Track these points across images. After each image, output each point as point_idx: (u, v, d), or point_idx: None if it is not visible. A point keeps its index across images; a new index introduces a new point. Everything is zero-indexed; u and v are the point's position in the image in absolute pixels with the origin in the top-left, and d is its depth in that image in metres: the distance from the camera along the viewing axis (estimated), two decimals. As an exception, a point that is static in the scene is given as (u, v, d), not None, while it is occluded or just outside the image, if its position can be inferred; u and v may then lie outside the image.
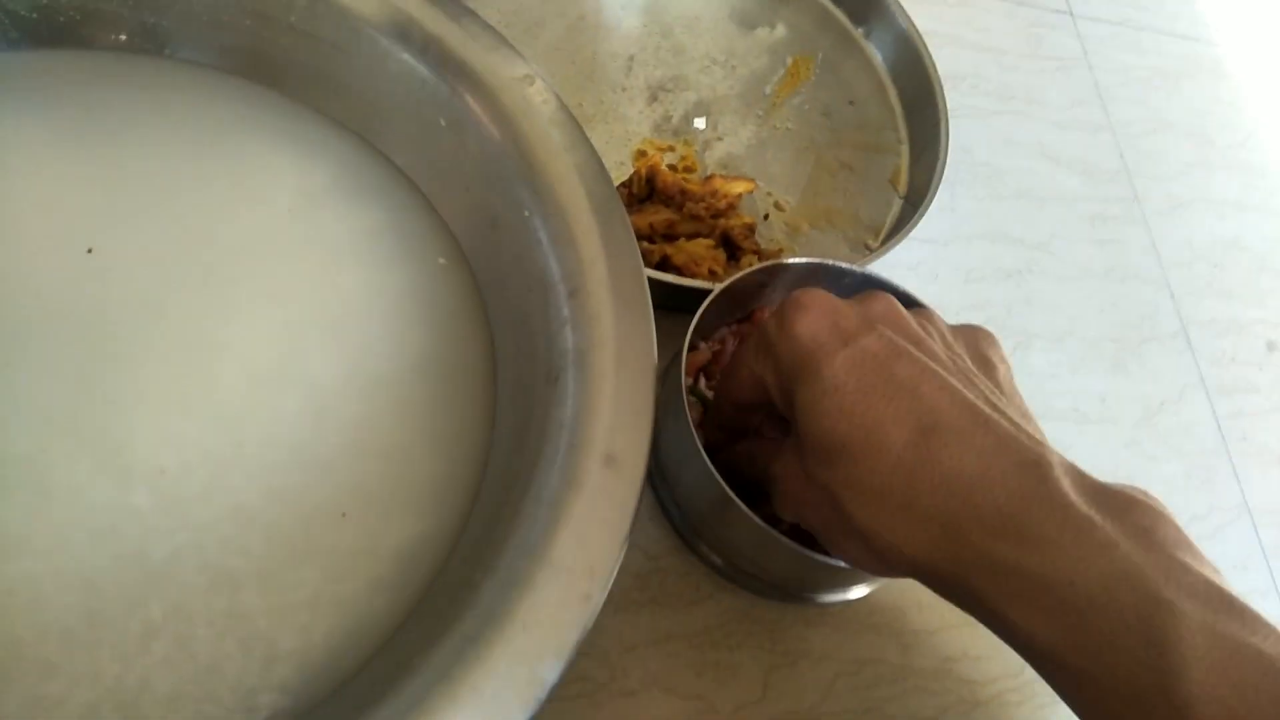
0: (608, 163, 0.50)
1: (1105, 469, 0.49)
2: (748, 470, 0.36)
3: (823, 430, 0.30)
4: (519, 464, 0.31)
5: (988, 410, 0.29)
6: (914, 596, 0.43)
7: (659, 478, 0.42)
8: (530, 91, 0.37)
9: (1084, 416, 0.51)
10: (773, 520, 0.35)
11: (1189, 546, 0.27)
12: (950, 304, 0.53)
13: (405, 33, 0.37)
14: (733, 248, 0.49)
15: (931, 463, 0.28)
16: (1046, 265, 0.56)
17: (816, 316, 0.31)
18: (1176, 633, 0.24)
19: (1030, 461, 0.27)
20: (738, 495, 0.35)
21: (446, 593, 0.30)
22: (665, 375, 0.41)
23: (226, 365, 0.34)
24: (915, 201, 0.51)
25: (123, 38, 0.38)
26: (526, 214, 0.35)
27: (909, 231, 0.48)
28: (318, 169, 0.39)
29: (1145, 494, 0.28)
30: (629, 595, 0.39)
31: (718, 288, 0.40)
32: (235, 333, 0.34)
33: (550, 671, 0.25)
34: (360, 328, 0.36)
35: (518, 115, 0.36)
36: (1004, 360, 0.34)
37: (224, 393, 0.33)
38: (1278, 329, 0.60)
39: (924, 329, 0.33)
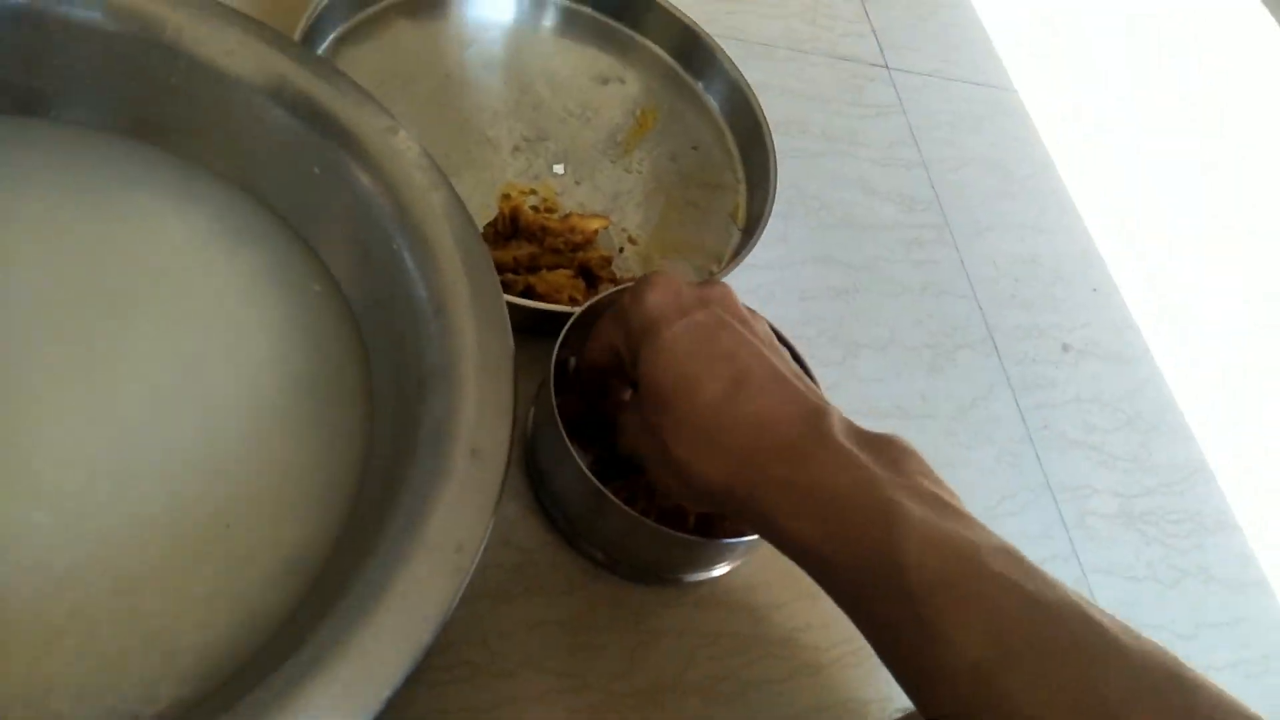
0: (475, 206, 0.54)
1: (926, 456, 0.56)
2: (607, 413, 0.42)
3: (655, 381, 0.36)
4: (394, 464, 0.35)
5: (788, 374, 0.36)
6: (762, 576, 0.47)
7: (539, 484, 0.46)
8: (395, 140, 0.40)
9: (906, 413, 0.58)
10: (641, 512, 0.40)
11: (929, 473, 0.33)
12: (787, 320, 0.58)
13: (279, 91, 0.40)
14: (591, 277, 0.54)
15: (736, 407, 0.34)
16: (870, 284, 0.63)
17: (662, 293, 0.38)
18: (900, 522, 0.30)
19: (812, 411, 0.34)
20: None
21: (334, 580, 0.33)
22: (539, 391, 0.45)
23: (127, 388, 0.36)
24: (751, 231, 0.57)
25: (7, 100, 0.40)
26: (395, 247, 0.39)
27: (744, 257, 0.54)
28: (202, 218, 0.42)
29: (901, 438, 0.35)
30: (506, 588, 0.42)
31: (581, 307, 0.45)
32: (134, 359, 0.37)
33: (426, 633, 0.29)
34: (249, 353, 0.39)
35: (384, 161, 0.40)
36: None
37: (125, 412, 0.36)
38: (1070, 332, 0.68)
39: (752, 315, 0.39)
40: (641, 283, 0.38)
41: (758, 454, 0.33)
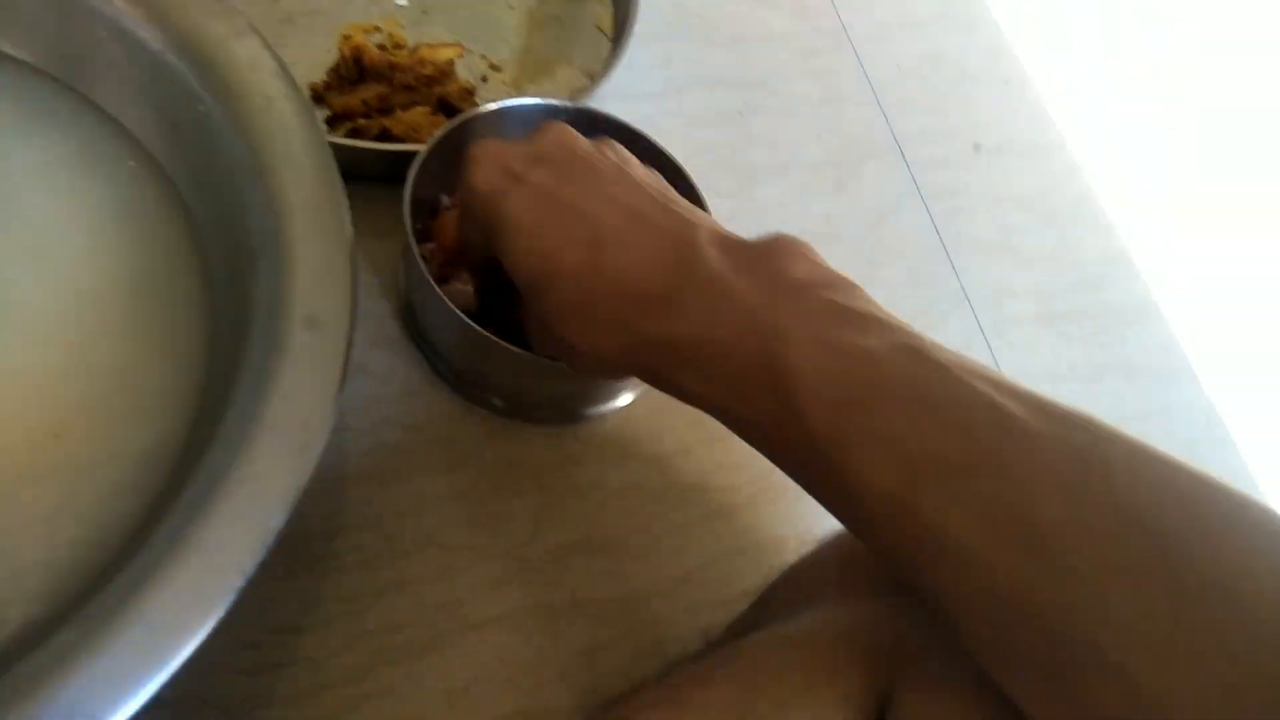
0: (316, 54, 0.51)
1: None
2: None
3: (520, 271, 0.34)
4: (234, 346, 0.33)
5: (645, 206, 0.33)
6: (667, 421, 0.47)
7: (423, 342, 0.45)
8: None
9: (811, 237, 0.56)
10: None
11: (818, 269, 0.31)
12: (675, 150, 0.56)
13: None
14: (452, 111, 0.51)
15: (601, 271, 0.32)
16: (765, 103, 0.61)
17: (486, 166, 0.35)
18: (787, 357, 0.28)
19: (679, 243, 0.32)
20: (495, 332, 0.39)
21: (184, 480, 0.32)
22: (405, 248, 0.43)
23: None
24: (620, 40, 0.54)
25: None
26: (201, 109, 0.36)
27: (617, 65, 0.51)
28: (-4, 104, 0.39)
29: (785, 236, 0.32)
30: (395, 468, 0.41)
31: (428, 145, 0.42)
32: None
33: (275, 519, 0.28)
34: (65, 250, 0.37)
35: (172, 10, 0.37)
36: None
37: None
38: (981, 130, 0.67)
39: (597, 148, 0.36)
40: (465, 165, 0.35)
41: (633, 315, 0.31)
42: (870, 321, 0.29)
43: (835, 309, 0.29)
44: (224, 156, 0.35)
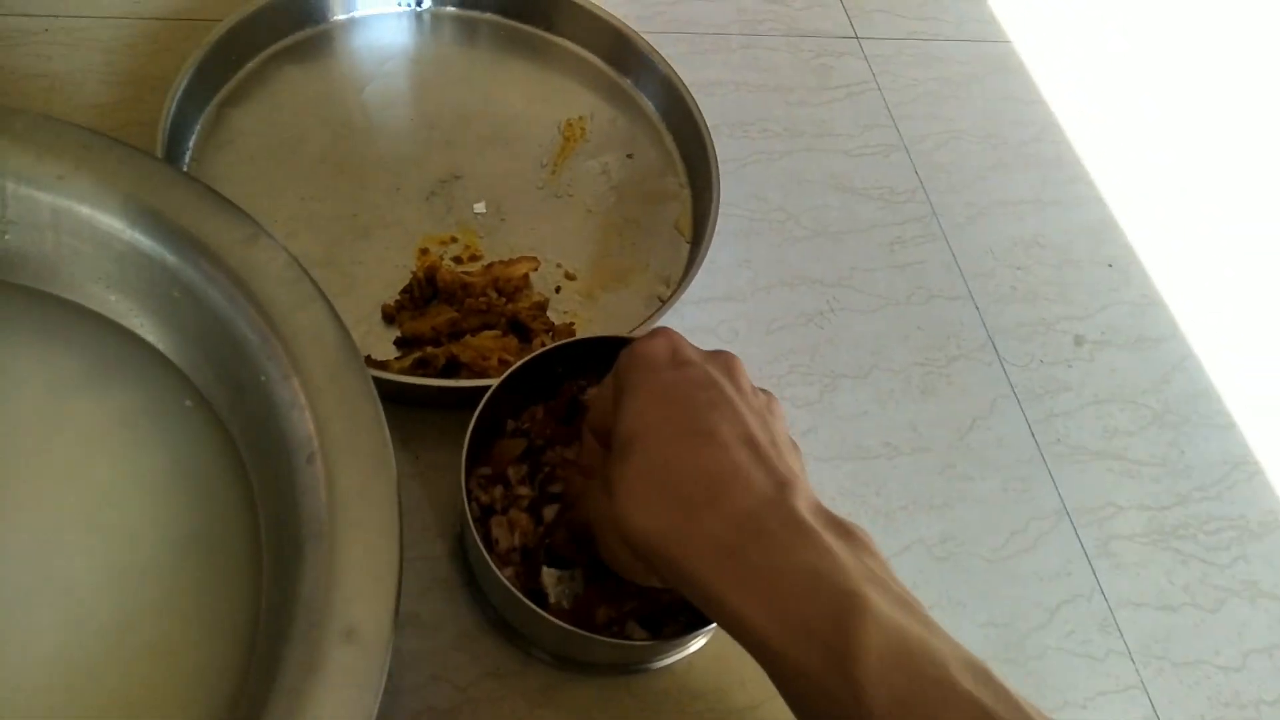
0: (392, 268, 0.52)
1: (920, 499, 0.52)
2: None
3: (620, 427, 0.34)
4: (269, 646, 0.32)
5: (764, 441, 0.34)
6: (736, 673, 0.45)
7: (475, 587, 0.44)
8: (255, 251, 0.38)
9: (895, 449, 0.54)
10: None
11: (894, 575, 0.32)
12: (753, 358, 0.55)
13: (122, 212, 0.38)
14: (523, 330, 0.51)
15: (693, 459, 0.33)
16: (848, 300, 0.59)
17: (661, 343, 0.36)
18: (863, 619, 0.28)
19: (779, 482, 0.32)
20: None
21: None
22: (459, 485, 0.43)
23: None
24: (699, 242, 0.54)
25: None
26: (263, 379, 0.36)
27: (695, 274, 0.51)
28: (65, 356, 0.40)
29: (865, 532, 0.33)
30: (439, 732, 0.40)
31: (489, 390, 0.42)
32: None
33: None
34: (120, 516, 0.37)
35: (245, 278, 0.37)
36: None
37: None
38: (1083, 322, 0.64)
39: (765, 394, 0.38)
40: (645, 336, 0.37)
41: (708, 512, 0.31)
42: (942, 632, 0.30)
43: (911, 605, 0.30)
44: (280, 430, 0.36)
